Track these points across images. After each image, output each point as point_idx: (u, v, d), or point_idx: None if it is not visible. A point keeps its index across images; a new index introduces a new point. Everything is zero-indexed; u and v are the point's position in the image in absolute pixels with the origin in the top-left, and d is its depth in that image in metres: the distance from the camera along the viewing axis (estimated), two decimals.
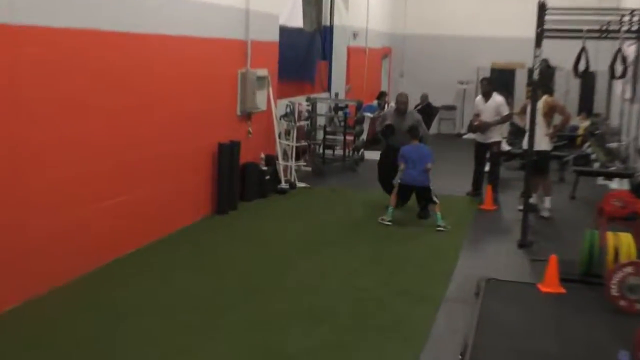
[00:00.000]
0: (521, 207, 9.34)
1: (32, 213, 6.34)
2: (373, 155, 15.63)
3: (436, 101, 19.58)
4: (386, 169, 10.69)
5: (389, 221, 9.68)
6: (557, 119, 10.59)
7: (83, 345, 5.53)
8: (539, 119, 9.72)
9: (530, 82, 8.95)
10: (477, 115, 11.64)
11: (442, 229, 9.47)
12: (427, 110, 18.81)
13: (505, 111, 11.44)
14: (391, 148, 10.57)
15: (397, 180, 9.95)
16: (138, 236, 8.06)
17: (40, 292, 6.41)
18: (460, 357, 5.55)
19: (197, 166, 9.44)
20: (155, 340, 5.66)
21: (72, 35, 6.70)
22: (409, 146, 9.97)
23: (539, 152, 9.71)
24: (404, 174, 9.80)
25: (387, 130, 10.64)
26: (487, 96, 11.51)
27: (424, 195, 9.94)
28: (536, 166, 9.40)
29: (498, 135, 11.65)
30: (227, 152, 9.88)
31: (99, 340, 5.63)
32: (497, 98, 11.47)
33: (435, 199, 9.76)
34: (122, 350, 5.45)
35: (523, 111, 10.77)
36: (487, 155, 11.69)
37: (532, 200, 10.12)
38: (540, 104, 9.84)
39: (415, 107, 18.76)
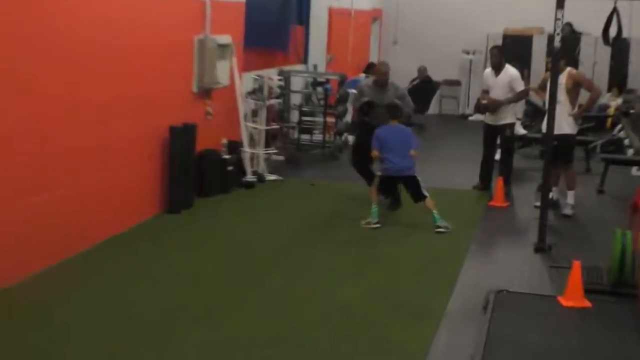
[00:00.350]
0: (538, 204, 9.39)
1: None
2: None
3: (437, 75, 19.74)
4: (364, 152, 10.59)
5: (375, 223, 9.68)
6: (584, 96, 10.64)
7: None
8: (561, 97, 9.77)
9: (551, 52, 8.94)
10: (486, 92, 11.68)
11: (442, 230, 9.50)
12: (426, 87, 18.98)
13: (520, 87, 11.50)
14: (370, 127, 10.53)
15: (377, 171, 9.99)
16: (67, 243, 7.94)
17: None
18: None
19: (142, 155, 9.41)
20: None
21: None
22: (386, 128, 9.98)
23: (561, 137, 9.77)
24: (386, 162, 9.80)
25: (366, 107, 10.65)
26: (497, 69, 11.56)
27: (412, 188, 9.91)
28: (557, 153, 9.46)
29: (511, 116, 11.69)
30: (181, 138, 9.87)
31: None
32: (510, 71, 11.53)
33: (425, 192, 9.79)
34: None
35: (542, 87, 10.82)
36: (498, 140, 11.76)
37: (551, 195, 10.20)
38: (563, 78, 9.90)
39: (411, 82, 18.88)
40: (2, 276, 6.99)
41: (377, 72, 10.97)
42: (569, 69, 10.23)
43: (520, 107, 14.15)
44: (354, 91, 16.18)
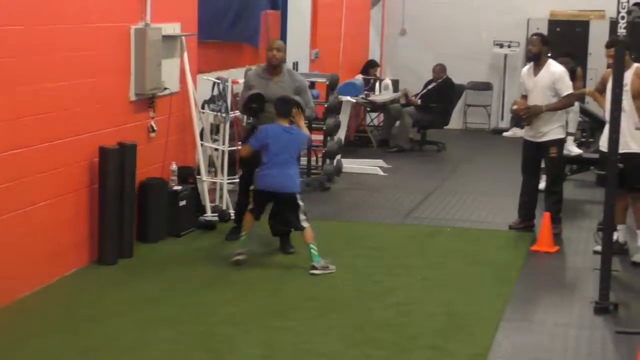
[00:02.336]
0: (599, 248, 9.41)
1: None
2: (357, 165, 15.76)
3: (460, 77, 19.83)
4: (255, 165, 10.64)
5: (238, 254, 10.02)
6: None
7: None
8: (626, 103, 9.81)
9: (613, 42, 8.93)
10: (524, 97, 11.71)
11: (319, 272, 9.75)
12: (445, 92, 19.06)
13: (567, 89, 11.49)
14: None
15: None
16: None
17: None
18: None
19: (62, 186, 9.40)
20: None
21: None
22: (271, 126, 10.16)
23: (627, 156, 9.79)
24: (263, 171, 10.03)
25: (253, 101, 10.67)
26: (537, 65, 11.58)
27: (288, 210, 10.15)
28: (622, 179, 9.49)
29: (559, 130, 11.65)
30: (115, 162, 9.89)
31: None
32: (553, 68, 11.55)
33: (303, 219, 10.02)
34: None
35: (601, 90, 10.86)
36: (543, 164, 11.80)
37: (616, 236, 10.24)
38: (628, 79, 9.92)
39: (426, 87, 18.97)
40: None
41: (268, 56, 10.86)
42: (636, 65, 10.26)
43: (573, 118, 14.23)
44: (349, 98, 16.37)
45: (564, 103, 11.54)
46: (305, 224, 9.83)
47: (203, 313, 8.61)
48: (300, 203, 9.90)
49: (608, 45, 10.34)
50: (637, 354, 7.32)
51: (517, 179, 12.06)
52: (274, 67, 10.80)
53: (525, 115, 11.46)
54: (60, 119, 9.21)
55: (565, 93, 11.40)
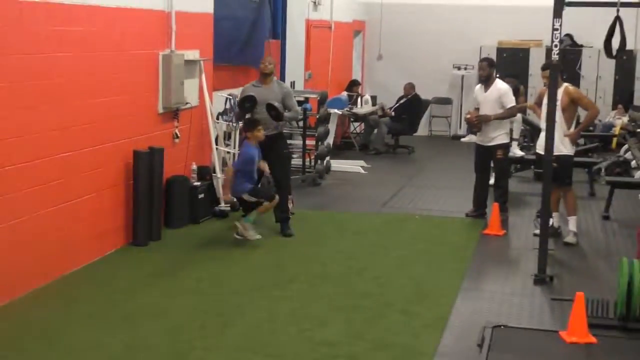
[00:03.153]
0: (538, 231, 9.45)
1: None
2: (342, 165, 15.76)
3: (426, 93, 19.78)
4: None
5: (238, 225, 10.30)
6: (584, 114, 10.71)
7: None
8: (558, 115, 9.85)
9: (547, 65, 8.98)
10: (477, 109, 11.71)
11: (239, 235, 10.29)
12: (414, 105, 19.08)
13: (510, 102, 11.50)
14: None
15: None
16: (15, 282, 7.89)
17: None
18: None
19: (103, 182, 9.39)
20: None
21: None
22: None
23: (557, 158, 9.80)
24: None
25: (246, 100, 10.69)
26: (487, 83, 11.60)
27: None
28: (554, 176, 9.48)
29: (504, 136, 11.67)
30: (146, 163, 9.89)
31: None
32: (499, 85, 11.56)
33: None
34: None
35: (538, 103, 10.88)
36: (492, 163, 11.81)
37: (552, 221, 10.28)
38: (559, 95, 9.94)
39: (398, 101, 18.98)
40: None
41: (260, 64, 11.03)
42: (565, 84, 10.28)
43: (517, 127, 14.26)
44: (336, 111, 16.37)
45: (508, 113, 11.55)
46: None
47: (216, 285, 8.66)
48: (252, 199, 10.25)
49: (543, 68, 10.35)
50: (568, 316, 7.37)
51: (472, 176, 12.04)
52: (265, 76, 10.82)
53: (476, 122, 11.49)
54: (101, 128, 9.19)
55: (509, 105, 11.43)
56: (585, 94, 10.39)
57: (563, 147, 10.20)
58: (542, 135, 9.32)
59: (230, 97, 12.38)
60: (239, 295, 8.31)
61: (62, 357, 6.64)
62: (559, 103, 9.79)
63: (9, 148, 7.62)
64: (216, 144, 11.83)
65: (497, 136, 11.52)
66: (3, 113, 7.56)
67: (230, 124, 12.15)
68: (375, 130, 18.47)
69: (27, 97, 7.91)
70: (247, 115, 10.73)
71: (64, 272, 8.57)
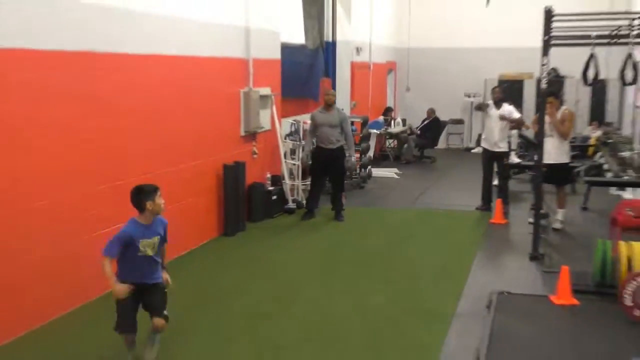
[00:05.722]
0: (531, 220, 9.43)
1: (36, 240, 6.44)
2: (380, 172, 15.77)
3: (443, 115, 19.70)
4: (319, 175, 11.25)
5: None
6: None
7: None
8: (555, 133, 9.90)
9: (544, 93, 8.91)
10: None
11: None
12: (435, 125, 19.03)
13: (517, 114, 11.63)
14: (319, 149, 11.12)
15: None
16: None
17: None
18: None
19: (201, 188, 9.50)
20: None
21: (65, 58, 6.73)
22: None
23: (551, 165, 9.82)
24: None
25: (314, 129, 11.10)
26: (498, 105, 11.59)
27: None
28: (548, 178, 9.63)
29: (506, 146, 11.72)
30: (232, 173, 9.97)
31: None
32: (507, 106, 11.60)
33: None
34: None
35: (536, 121, 10.85)
36: (495, 168, 11.78)
37: (560, 218, 10.49)
38: (559, 115, 9.97)
39: (423, 122, 18.96)
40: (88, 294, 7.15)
41: (325, 95, 11.25)
42: (563, 107, 10.23)
43: (514, 140, 14.20)
44: (374, 131, 16.41)
45: (518, 121, 11.75)
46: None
47: (284, 268, 8.69)
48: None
49: (544, 95, 10.25)
50: (556, 284, 7.37)
51: (480, 179, 11.99)
52: (329, 105, 11.00)
53: (518, 124, 11.93)
54: (199, 146, 9.32)
55: (515, 116, 11.54)
56: (573, 118, 10.25)
57: (564, 157, 10.22)
58: (546, 147, 9.26)
59: (294, 122, 12.47)
60: (301, 275, 8.36)
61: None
62: (560, 120, 9.87)
63: (147, 161, 7.87)
64: (285, 158, 11.90)
65: (501, 144, 11.54)
66: (141, 139, 7.86)
67: (295, 142, 12.25)
68: (405, 145, 18.45)
69: (151, 126, 8.16)
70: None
71: (176, 255, 8.68)
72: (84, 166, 7.07)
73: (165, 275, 5.70)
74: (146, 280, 5.51)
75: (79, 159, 7.00)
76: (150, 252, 5.46)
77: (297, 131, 12.38)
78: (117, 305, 5.48)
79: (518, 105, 16.88)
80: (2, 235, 6.06)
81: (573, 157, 12.56)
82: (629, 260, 7.16)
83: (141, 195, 5.42)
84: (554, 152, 9.92)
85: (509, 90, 18.29)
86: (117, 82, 7.56)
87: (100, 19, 7.18)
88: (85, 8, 6.96)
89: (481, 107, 11.91)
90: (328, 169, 11.10)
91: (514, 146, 13.95)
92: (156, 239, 5.52)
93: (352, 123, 14.42)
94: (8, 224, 6.13)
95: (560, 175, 10.19)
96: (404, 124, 19.82)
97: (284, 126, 12.25)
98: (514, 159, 13.60)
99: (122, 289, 5.34)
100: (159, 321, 5.52)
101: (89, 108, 7.13)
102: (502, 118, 11.39)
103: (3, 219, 6.07)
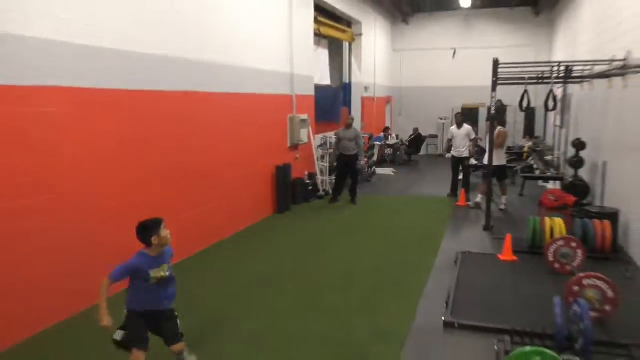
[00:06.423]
0: (470, 203, 9.52)
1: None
2: (382, 171, 15.71)
3: (424, 131, 19.56)
4: (342, 173, 11.04)
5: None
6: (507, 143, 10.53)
7: None
8: (497, 144, 9.83)
9: (489, 117, 8.90)
10: (450, 139, 11.60)
11: None
12: (418, 139, 18.89)
13: (474, 135, 11.44)
14: (341, 155, 10.92)
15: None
16: (221, 231, 8.14)
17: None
18: (445, 304, 5.62)
19: (262, 181, 9.52)
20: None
21: (172, 96, 6.87)
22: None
23: (497, 166, 9.72)
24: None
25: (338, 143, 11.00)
26: (459, 125, 11.45)
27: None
28: (499, 175, 9.57)
29: (468, 153, 11.53)
30: (282, 172, 9.98)
31: None
32: (467, 126, 11.43)
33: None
34: None
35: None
36: (461, 167, 11.69)
37: (479, 198, 10.39)
38: (496, 133, 9.88)
39: (410, 137, 18.83)
40: (203, 243, 7.17)
41: (347, 120, 11.10)
42: (499, 127, 10.16)
43: (472, 149, 14.07)
44: (377, 143, 16.32)
45: (475, 140, 11.52)
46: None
47: (318, 231, 8.68)
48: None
49: (488, 120, 10.20)
50: (502, 247, 7.32)
51: (449, 175, 11.88)
52: (349, 125, 10.90)
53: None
54: (259, 153, 9.31)
55: (473, 137, 11.36)
56: (505, 135, 10.15)
57: (498, 161, 10.06)
58: (487, 155, 9.22)
59: (324, 137, 12.44)
60: (329, 237, 8.36)
61: (241, 267, 6.85)
62: (495, 138, 9.76)
63: (231, 163, 7.89)
64: (317, 161, 11.86)
65: (464, 152, 11.38)
66: (225, 149, 7.81)
67: (324, 151, 12.18)
68: (398, 152, 18.39)
69: (233, 141, 8.14)
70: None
71: (238, 229, 8.71)
72: (192, 165, 7.22)
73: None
74: (159, 307, 4.08)
75: (186, 158, 7.10)
76: (163, 274, 4.04)
77: (325, 143, 12.36)
78: (128, 322, 4.00)
79: (474, 125, 16.83)
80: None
81: (511, 161, 12.46)
82: (551, 230, 7.13)
83: (145, 231, 3.98)
84: (496, 157, 9.85)
85: (468, 114, 18.29)
86: (209, 112, 7.64)
87: (196, 70, 7.27)
88: (190, 63, 7.06)
89: (448, 149, 11.73)
90: (347, 169, 11.09)
91: (472, 154, 13.81)
92: (165, 266, 4.05)
93: (362, 137, 14.41)
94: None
95: (500, 173, 10.08)
96: (397, 138, 19.65)
97: (317, 140, 12.22)
98: (472, 162, 13.51)
99: (106, 320, 3.77)
100: (176, 347, 4.17)
101: (192, 128, 7.24)
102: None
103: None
